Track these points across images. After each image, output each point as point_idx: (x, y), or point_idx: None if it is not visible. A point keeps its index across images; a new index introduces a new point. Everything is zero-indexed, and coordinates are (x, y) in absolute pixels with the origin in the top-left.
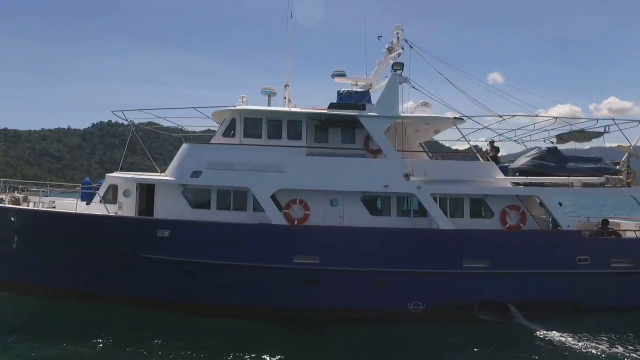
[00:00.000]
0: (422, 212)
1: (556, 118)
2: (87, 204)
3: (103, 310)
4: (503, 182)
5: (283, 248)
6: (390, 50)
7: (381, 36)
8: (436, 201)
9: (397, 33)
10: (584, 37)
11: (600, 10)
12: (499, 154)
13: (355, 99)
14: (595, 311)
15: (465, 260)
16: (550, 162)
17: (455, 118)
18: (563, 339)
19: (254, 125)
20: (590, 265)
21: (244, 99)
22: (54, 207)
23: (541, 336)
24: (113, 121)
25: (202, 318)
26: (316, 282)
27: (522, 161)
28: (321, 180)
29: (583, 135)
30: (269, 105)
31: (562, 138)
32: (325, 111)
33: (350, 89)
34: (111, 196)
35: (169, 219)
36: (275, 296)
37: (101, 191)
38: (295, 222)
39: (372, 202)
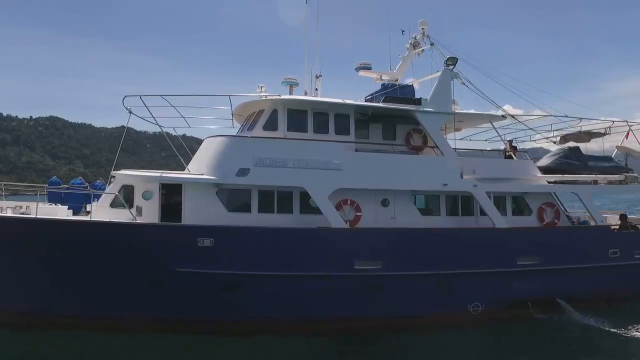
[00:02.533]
0: (468, 210)
1: (581, 119)
2: (68, 208)
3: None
4: (541, 180)
5: (344, 254)
6: (414, 45)
7: (404, 30)
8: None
9: (422, 29)
10: (478, 50)
11: (494, 25)
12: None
13: (401, 93)
14: (626, 299)
15: (519, 258)
16: (573, 160)
17: (502, 116)
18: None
19: (299, 117)
20: (619, 257)
21: (263, 88)
22: (28, 214)
23: (601, 329)
24: (5, 114)
25: (241, 339)
26: (379, 289)
27: (547, 160)
28: (378, 179)
29: (586, 135)
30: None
31: (566, 138)
32: (380, 105)
33: (395, 83)
34: (124, 199)
35: (214, 226)
36: (334, 307)
37: (112, 192)
38: (347, 225)
39: (423, 202)
